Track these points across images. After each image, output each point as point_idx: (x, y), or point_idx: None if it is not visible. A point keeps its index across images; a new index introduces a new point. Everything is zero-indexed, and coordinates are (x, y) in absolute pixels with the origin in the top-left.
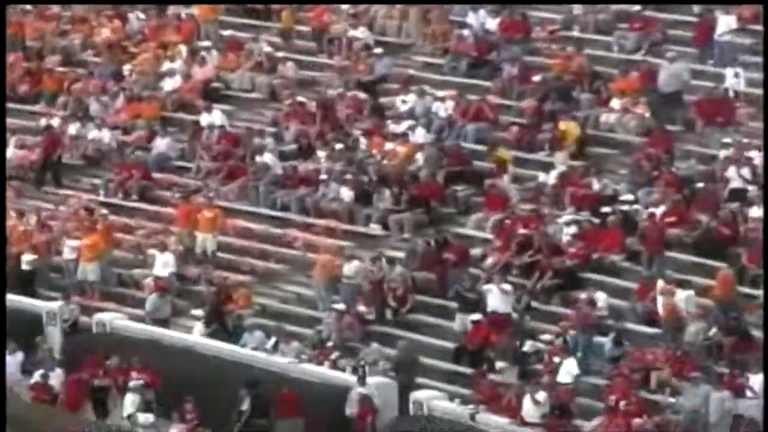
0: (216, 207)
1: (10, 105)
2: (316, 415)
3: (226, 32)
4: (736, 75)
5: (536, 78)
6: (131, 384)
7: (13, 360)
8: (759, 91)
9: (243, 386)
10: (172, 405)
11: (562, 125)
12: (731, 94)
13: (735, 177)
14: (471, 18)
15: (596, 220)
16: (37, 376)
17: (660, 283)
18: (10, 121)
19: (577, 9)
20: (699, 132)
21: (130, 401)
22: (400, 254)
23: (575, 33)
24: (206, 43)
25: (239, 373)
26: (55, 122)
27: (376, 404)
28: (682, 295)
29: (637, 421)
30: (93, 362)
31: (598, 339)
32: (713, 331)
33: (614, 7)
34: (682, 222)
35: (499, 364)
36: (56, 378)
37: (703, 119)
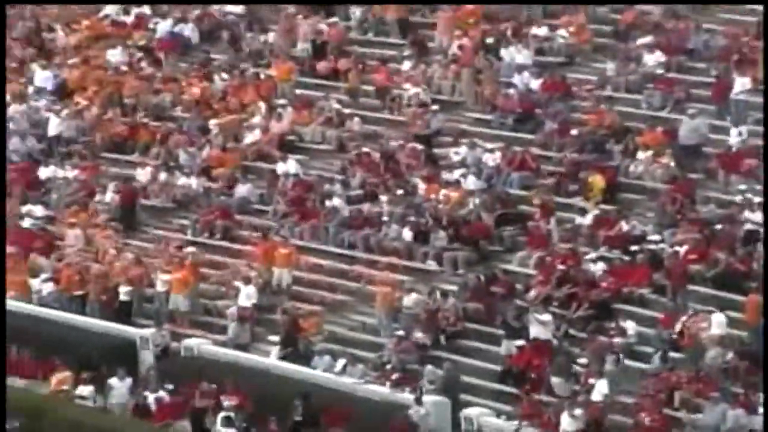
0: (290, 245)
1: (109, 155)
2: (374, 429)
3: (300, 91)
4: (740, 134)
5: (574, 132)
6: (225, 404)
7: (124, 384)
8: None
9: (296, 398)
10: (251, 421)
11: (590, 178)
12: (734, 149)
13: (749, 220)
14: (516, 79)
15: (626, 258)
16: (139, 396)
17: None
18: (110, 170)
19: (611, 71)
20: (719, 180)
21: (220, 419)
22: (453, 287)
23: (608, 92)
24: (282, 101)
25: (309, 392)
26: (148, 171)
27: (416, 420)
28: (715, 320)
29: None
30: (190, 385)
31: (631, 363)
32: (730, 355)
33: (642, 69)
34: (703, 259)
35: (554, 380)
36: (154, 398)
37: (724, 169)
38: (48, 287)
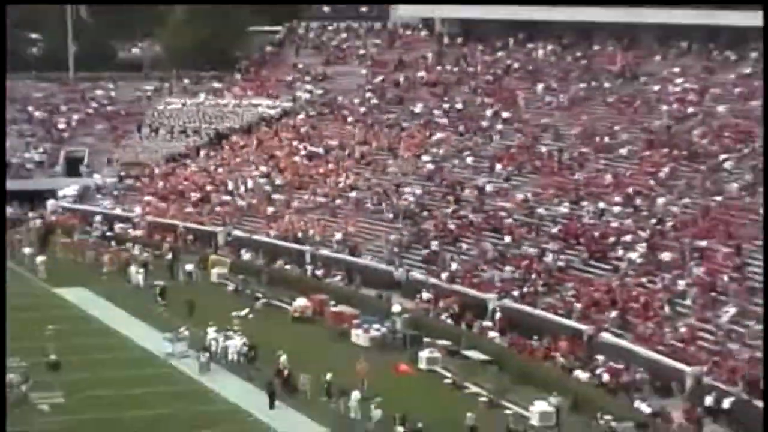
0: (355, 219)
1: (294, 192)
2: (378, 280)
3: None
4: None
5: (444, 190)
6: (335, 274)
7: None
8: None
9: (342, 268)
10: (347, 280)
11: (451, 198)
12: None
13: (502, 210)
14: (426, 167)
15: (461, 222)
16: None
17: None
18: (294, 196)
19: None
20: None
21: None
22: (407, 233)
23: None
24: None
25: (366, 270)
26: (306, 197)
27: (396, 277)
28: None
29: None
30: (325, 264)
31: (466, 258)
32: (496, 254)
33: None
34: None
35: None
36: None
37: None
38: (274, 232)
